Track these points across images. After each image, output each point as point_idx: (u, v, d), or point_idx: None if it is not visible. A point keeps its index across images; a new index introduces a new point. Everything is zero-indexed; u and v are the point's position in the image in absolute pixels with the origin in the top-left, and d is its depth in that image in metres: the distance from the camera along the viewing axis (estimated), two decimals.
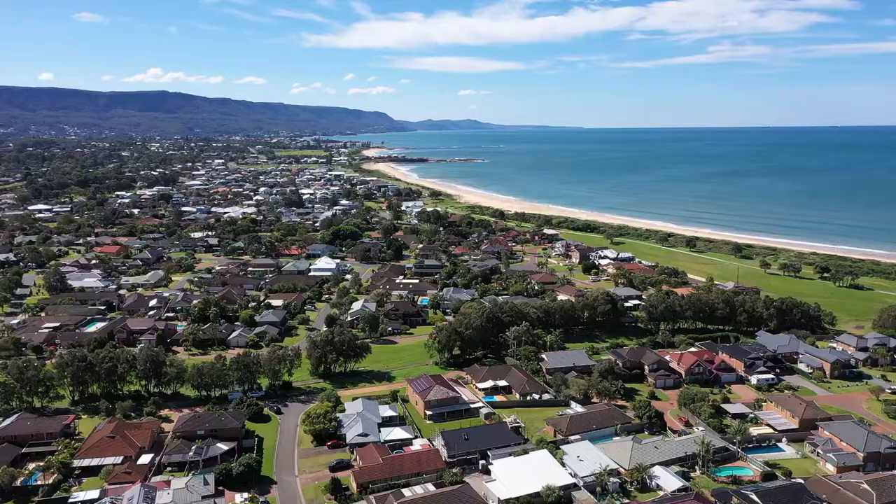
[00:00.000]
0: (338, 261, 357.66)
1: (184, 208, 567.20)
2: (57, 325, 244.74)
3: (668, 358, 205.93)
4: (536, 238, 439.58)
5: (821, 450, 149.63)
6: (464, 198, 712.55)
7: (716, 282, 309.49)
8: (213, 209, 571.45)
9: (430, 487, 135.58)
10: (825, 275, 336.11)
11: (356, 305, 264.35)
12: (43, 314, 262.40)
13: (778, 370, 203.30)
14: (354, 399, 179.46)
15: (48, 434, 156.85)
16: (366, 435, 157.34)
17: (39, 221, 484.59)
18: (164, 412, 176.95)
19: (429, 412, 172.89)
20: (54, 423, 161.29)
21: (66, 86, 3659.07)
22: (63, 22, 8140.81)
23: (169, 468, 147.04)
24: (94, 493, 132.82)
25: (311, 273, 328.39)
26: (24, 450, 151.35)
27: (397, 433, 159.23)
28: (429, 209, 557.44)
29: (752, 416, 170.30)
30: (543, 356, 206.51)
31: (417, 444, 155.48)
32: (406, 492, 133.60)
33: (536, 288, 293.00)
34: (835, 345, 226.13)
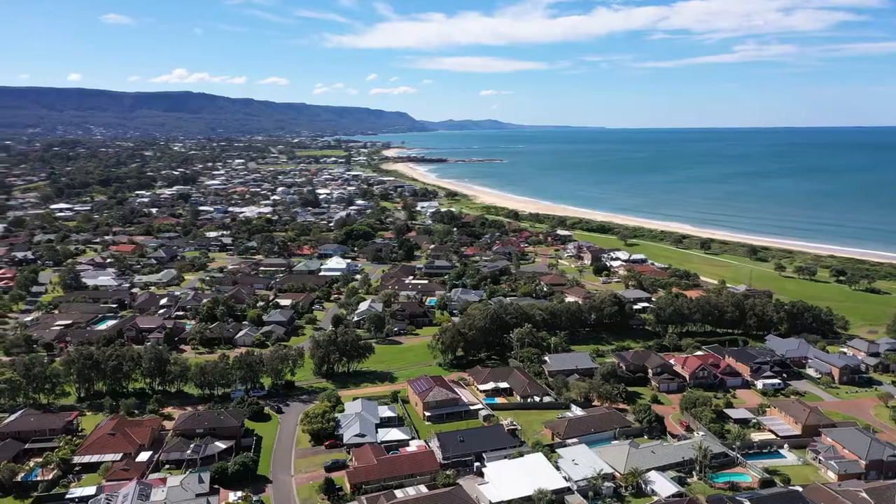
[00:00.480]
0: (348, 261, 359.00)
1: (201, 207, 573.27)
2: (69, 322, 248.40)
3: (672, 361, 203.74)
4: (549, 239, 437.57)
5: (822, 457, 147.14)
6: (480, 198, 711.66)
7: (728, 284, 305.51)
8: (231, 209, 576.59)
9: (423, 489, 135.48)
10: (841, 278, 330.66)
11: (363, 305, 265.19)
12: (56, 312, 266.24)
13: (785, 375, 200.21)
14: (355, 399, 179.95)
15: (51, 430, 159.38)
16: (363, 435, 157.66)
17: (59, 220, 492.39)
18: (167, 410, 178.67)
19: (428, 413, 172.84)
20: (57, 419, 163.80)
21: (93, 86, 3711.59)
22: (91, 23, 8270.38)
23: (167, 466, 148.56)
24: (90, 490, 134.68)
25: (322, 273, 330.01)
26: (26, 446, 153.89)
27: (394, 434, 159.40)
28: (443, 209, 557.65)
29: (754, 421, 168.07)
30: (546, 358, 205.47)
31: (414, 446, 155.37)
32: (399, 493, 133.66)
33: (545, 289, 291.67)
34: (845, 350, 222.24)
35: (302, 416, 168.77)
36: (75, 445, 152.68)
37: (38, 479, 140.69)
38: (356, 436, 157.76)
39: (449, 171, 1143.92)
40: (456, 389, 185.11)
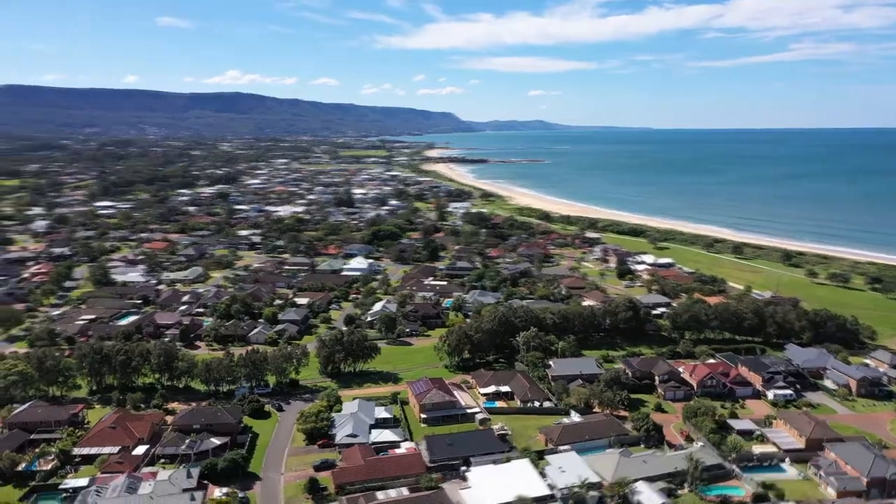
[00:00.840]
0: (371, 261, 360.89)
1: (238, 206, 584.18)
2: (93, 317, 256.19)
3: (681, 369, 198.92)
4: (577, 242, 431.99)
5: (823, 472, 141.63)
6: (515, 199, 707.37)
7: (755, 291, 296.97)
8: (267, 208, 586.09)
9: (405, 492, 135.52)
10: (876, 286, 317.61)
11: (378, 306, 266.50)
12: (83, 306, 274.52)
13: (799, 386, 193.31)
14: (355, 399, 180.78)
15: (56, 422, 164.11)
16: (354, 436, 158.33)
17: (101, 217, 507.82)
18: (173, 405, 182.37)
19: (424, 415, 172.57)
20: (63, 411, 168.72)
21: (149, 87, 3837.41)
22: (146, 26, 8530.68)
23: (163, 460, 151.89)
24: (84, 481, 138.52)
25: (343, 273, 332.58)
26: (32, 436, 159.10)
27: (386, 435, 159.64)
28: (475, 211, 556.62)
29: (758, 433, 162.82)
30: (551, 363, 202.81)
31: (405, 448, 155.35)
32: (380, 494, 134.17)
33: (563, 292, 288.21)
34: (868, 361, 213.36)
35: (298, 415, 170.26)
36: (77, 437, 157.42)
37: (38, 469, 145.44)
38: (348, 436, 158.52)
39: (489, 171, 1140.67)
40: (455, 392, 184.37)
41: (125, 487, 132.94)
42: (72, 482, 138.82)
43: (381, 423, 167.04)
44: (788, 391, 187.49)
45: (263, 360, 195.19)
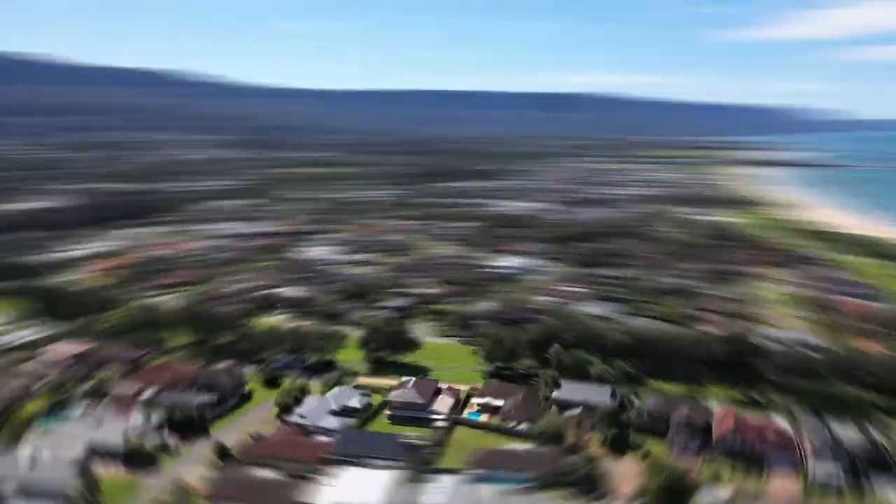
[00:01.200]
0: (529, 261, 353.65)
1: (474, 200, 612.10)
2: (256, 284, 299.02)
3: (711, 420, 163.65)
4: (789, 261, 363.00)
5: None
6: (792, 211, 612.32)
7: None
8: (500, 202, 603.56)
9: (279, 476, 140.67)
10: None
11: (480, 305, 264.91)
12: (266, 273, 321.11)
13: (869, 468, 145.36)
14: (356, 387, 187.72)
15: (117, 361, 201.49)
16: (303, 417, 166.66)
17: (351, 204, 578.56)
18: (219, 365, 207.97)
19: (389, 412, 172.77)
20: (128, 354, 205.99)
21: (489, 88, 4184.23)
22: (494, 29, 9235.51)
23: (158, 405, 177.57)
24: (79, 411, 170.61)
25: (491, 269, 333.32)
26: (94, 371, 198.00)
27: (330, 423, 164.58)
28: (712, 219, 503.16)
29: None
30: (561, 384, 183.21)
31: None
32: (262, 472, 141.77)
33: (687, 314, 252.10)
34: None
35: (278, 390, 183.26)
36: (120, 376, 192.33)
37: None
38: (299, 416, 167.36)
39: (799, 177, 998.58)
40: (441, 396, 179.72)
41: (95, 421, 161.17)
42: (75, 410, 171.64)
43: (345, 412, 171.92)
44: (835, 471, 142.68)
45: (303, 337, 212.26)
